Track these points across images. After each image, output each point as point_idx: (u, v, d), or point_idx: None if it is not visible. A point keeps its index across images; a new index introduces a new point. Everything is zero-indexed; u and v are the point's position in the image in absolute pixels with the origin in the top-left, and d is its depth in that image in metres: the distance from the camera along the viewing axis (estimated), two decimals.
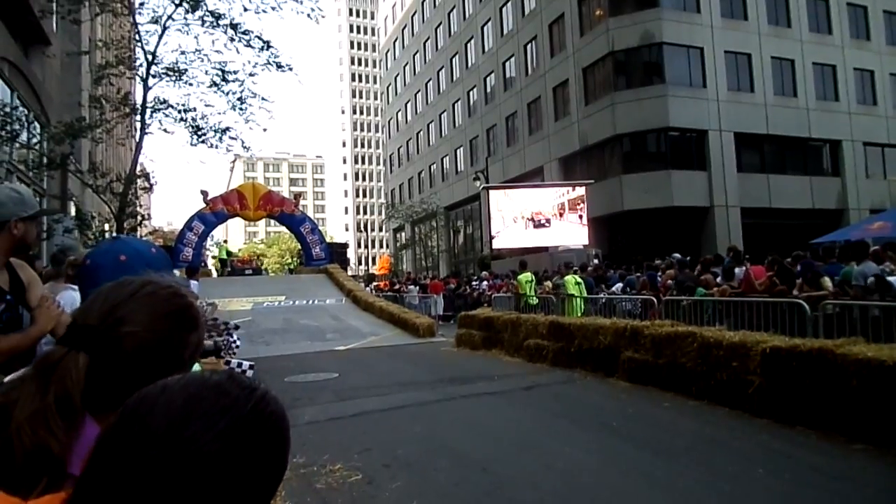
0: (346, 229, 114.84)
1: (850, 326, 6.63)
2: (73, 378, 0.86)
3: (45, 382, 0.85)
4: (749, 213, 27.21)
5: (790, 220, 27.19)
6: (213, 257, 32.04)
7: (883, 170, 31.54)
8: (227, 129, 17.38)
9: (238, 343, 3.83)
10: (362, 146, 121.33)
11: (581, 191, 26.40)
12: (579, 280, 13.14)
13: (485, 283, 22.14)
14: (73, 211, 17.02)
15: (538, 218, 26.08)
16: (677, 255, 13.79)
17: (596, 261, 18.53)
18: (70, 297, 2.78)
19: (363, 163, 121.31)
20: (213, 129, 17.16)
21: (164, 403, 0.63)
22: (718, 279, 10.90)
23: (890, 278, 7.69)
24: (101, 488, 0.60)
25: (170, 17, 16.48)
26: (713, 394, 6.63)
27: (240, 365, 2.82)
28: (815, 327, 7.13)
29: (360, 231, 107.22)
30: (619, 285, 13.66)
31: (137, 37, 17.14)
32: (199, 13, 16.51)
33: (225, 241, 33.70)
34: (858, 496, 4.18)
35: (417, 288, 25.10)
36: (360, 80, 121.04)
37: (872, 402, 4.98)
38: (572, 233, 25.69)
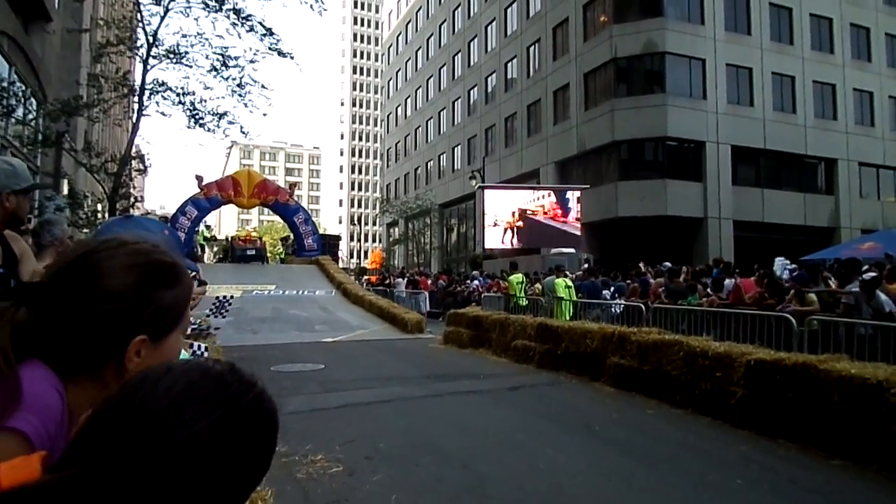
0: (340, 222, 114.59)
1: (834, 343, 6.68)
2: (3, 333, 0.84)
3: None
4: (741, 226, 27.37)
5: (782, 235, 27.35)
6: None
7: (877, 190, 31.82)
8: (225, 113, 17.34)
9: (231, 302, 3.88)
10: (360, 139, 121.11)
11: (576, 195, 26.52)
12: (569, 284, 13.16)
13: (476, 281, 22.16)
14: (65, 189, 16.90)
15: (528, 222, 26.17)
16: (667, 264, 13.85)
17: (586, 265, 18.56)
18: None
19: (360, 156, 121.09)
20: (211, 113, 17.11)
21: (166, 385, 0.65)
22: (707, 290, 10.97)
23: (882, 297, 7.70)
24: (92, 456, 0.61)
25: None
26: (697, 403, 6.67)
27: (199, 348, 2.80)
28: (801, 342, 7.17)
29: (354, 224, 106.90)
30: (607, 292, 13.70)
31: (139, 17, 17.04)
32: None
33: (208, 226, 32.08)
34: None
35: (405, 281, 25.05)
36: (361, 74, 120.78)
37: (853, 419, 5.02)
38: (564, 236, 25.78)
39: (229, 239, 30.96)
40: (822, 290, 9.18)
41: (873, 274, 8.59)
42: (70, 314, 0.88)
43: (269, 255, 29.70)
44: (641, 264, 15.20)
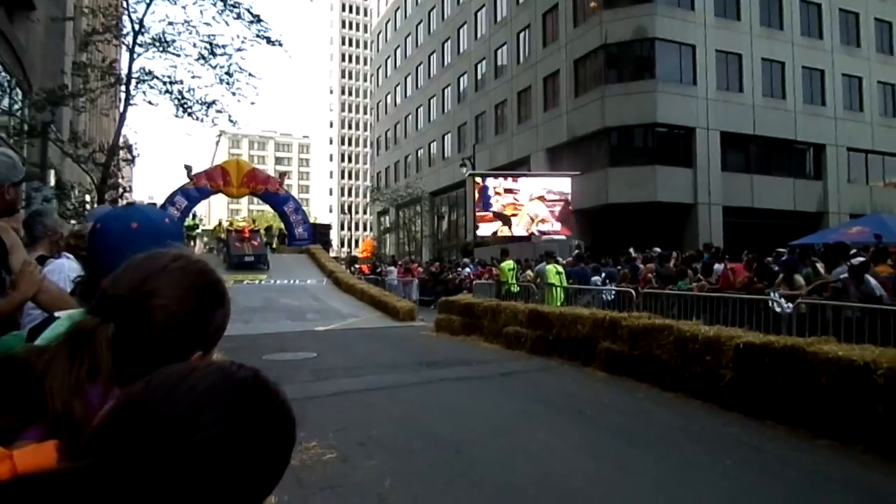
0: (331, 211, 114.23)
1: (822, 326, 6.76)
2: (103, 349, 0.87)
3: (78, 352, 0.85)
4: (731, 211, 27.49)
5: (771, 220, 27.50)
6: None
7: (865, 175, 32.01)
8: (213, 102, 17.23)
9: None
10: (350, 127, 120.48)
11: (566, 186, 26.56)
12: (560, 269, 13.20)
13: (467, 269, 22.20)
14: (52, 180, 16.75)
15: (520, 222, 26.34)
16: (657, 249, 13.91)
17: (578, 250, 18.62)
18: (59, 265, 2.74)
19: (350, 144, 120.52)
20: (199, 102, 17.00)
21: (188, 385, 0.65)
22: (697, 275, 11.04)
23: (872, 281, 7.77)
24: (110, 449, 0.62)
25: None
26: (687, 386, 6.73)
27: None
28: (790, 325, 7.25)
29: (344, 213, 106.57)
30: (597, 278, 13.75)
31: (125, 4, 16.85)
32: None
33: (193, 216, 30.74)
34: (821, 488, 4.29)
35: (396, 269, 25.06)
36: (350, 61, 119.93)
37: (840, 400, 5.09)
38: (553, 226, 25.96)
39: (224, 230, 29.56)
40: (818, 282, 9.19)
41: (861, 259, 8.64)
42: (148, 331, 0.91)
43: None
44: (631, 250, 15.26)
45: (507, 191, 26.90)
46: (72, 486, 0.60)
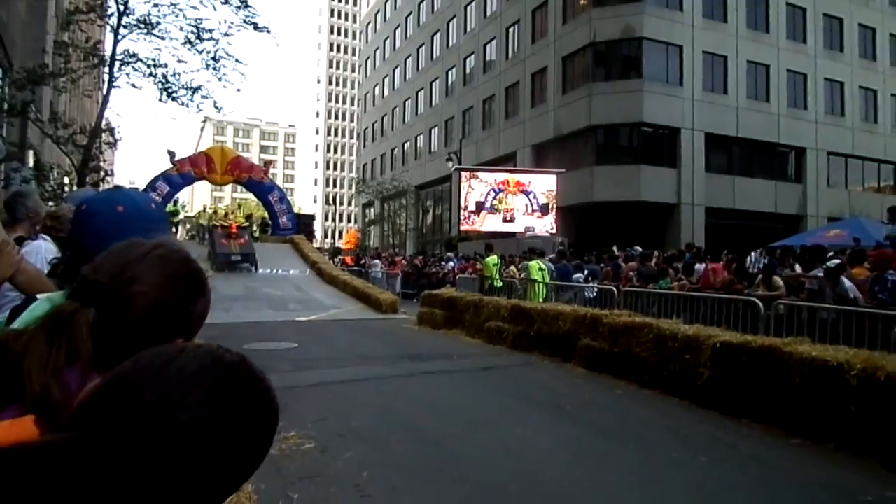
0: (315, 201, 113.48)
1: (798, 326, 6.85)
2: (83, 334, 0.86)
3: (56, 336, 0.85)
4: (713, 212, 27.77)
5: (751, 221, 27.83)
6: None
7: (845, 179, 32.45)
8: (199, 87, 17.06)
9: None
10: (336, 118, 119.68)
11: (552, 182, 26.58)
12: (543, 266, 13.24)
13: (451, 262, 22.23)
14: (31, 161, 16.49)
15: (508, 214, 26.28)
16: (638, 248, 14.02)
17: (561, 247, 18.69)
18: (36, 247, 2.70)
19: (336, 135, 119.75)
20: (185, 86, 16.81)
21: (178, 365, 0.66)
22: (679, 275, 11.15)
23: (847, 283, 7.88)
24: (97, 423, 0.62)
25: None
26: (665, 384, 6.81)
27: None
28: (767, 326, 7.34)
29: (329, 204, 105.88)
30: (580, 276, 13.82)
31: None
32: None
33: (175, 202, 29.75)
34: (796, 485, 4.36)
35: (380, 262, 25.02)
36: (339, 51, 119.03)
37: (813, 400, 5.18)
38: (538, 222, 25.97)
39: (207, 216, 28.76)
40: (789, 274, 9.38)
41: (837, 261, 8.76)
42: (129, 318, 0.91)
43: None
44: (615, 248, 15.37)
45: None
46: (56, 457, 0.60)
